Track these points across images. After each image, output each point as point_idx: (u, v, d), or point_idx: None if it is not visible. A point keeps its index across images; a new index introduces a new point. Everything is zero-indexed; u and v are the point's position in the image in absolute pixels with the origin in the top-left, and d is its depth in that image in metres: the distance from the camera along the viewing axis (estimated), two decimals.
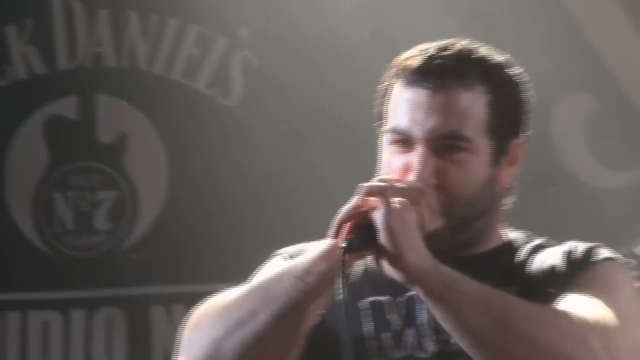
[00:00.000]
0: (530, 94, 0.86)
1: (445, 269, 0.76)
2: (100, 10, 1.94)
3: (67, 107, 2.04)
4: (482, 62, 0.85)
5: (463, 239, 0.85)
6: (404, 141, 0.82)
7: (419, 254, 0.74)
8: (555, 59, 2.00)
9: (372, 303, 0.87)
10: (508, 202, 0.89)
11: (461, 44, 0.86)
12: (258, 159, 1.86)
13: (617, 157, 2.04)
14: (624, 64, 2.09)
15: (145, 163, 1.93)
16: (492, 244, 0.89)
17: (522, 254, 0.89)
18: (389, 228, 0.73)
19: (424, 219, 0.78)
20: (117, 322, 1.99)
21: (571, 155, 2.06)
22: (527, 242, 0.91)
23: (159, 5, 1.97)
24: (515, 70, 0.87)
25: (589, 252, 0.88)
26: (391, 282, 0.80)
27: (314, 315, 0.80)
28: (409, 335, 0.86)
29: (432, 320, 0.83)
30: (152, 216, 1.96)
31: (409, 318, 0.86)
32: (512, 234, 0.92)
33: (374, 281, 0.86)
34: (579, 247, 0.89)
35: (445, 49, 0.84)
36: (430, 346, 0.85)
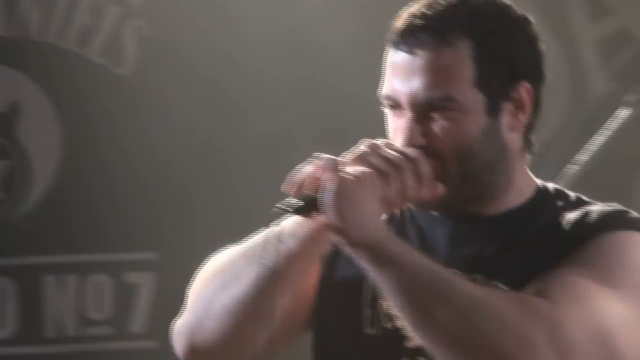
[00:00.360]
0: (536, 35, 0.85)
1: (394, 245, 0.76)
2: None
3: None
4: (467, 13, 0.84)
5: (473, 194, 0.84)
6: (395, 106, 0.81)
7: (362, 228, 0.75)
8: None
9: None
10: (529, 150, 0.86)
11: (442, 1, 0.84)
12: (151, 128, 1.88)
13: None
14: None
15: (38, 132, 1.91)
16: (510, 202, 0.86)
17: (538, 219, 0.87)
18: (332, 206, 0.73)
19: (404, 187, 0.78)
20: (9, 292, 1.97)
21: None
22: (551, 204, 0.87)
23: None
24: (514, 14, 0.85)
25: (602, 219, 0.84)
26: None
27: (292, 282, 0.82)
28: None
29: None
30: (44, 186, 1.94)
31: None
32: (543, 192, 0.89)
33: None
34: (594, 213, 0.84)
35: (430, 5, 0.83)
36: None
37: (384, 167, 0.77)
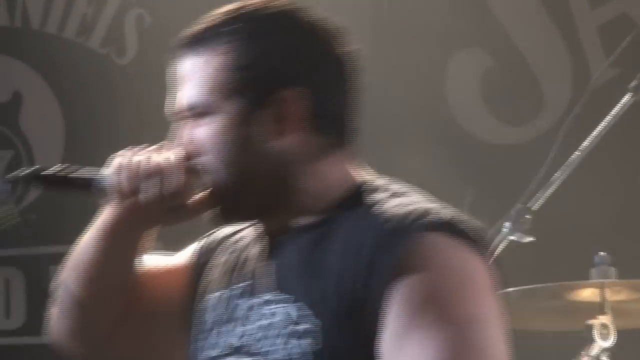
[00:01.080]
0: (325, 39, 0.84)
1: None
2: None
3: None
4: (227, 22, 0.84)
5: (254, 203, 0.85)
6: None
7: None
8: (449, 14, 2.09)
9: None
10: (337, 149, 0.84)
11: (228, 8, 0.85)
12: (151, 116, 1.91)
13: (512, 113, 2.12)
14: (517, 20, 2.18)
15: (40, 122, 1.96)
16: (312, 206, 0.85)
17: (345, 221, 0.84)
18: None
19: (161, 192, 0.83)
20: (16, 282, 2.03)
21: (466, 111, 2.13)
22: (364, 201, 0.84)
23: None
24: (290, 20, 0.85)
25: (403, 228, 0.79)
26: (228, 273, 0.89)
27: (129, 239, 0.88)
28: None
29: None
30: None
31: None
32: (357, 189, 0.86)
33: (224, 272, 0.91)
34: (396, 218, 0.80)
35: (207, 17, 0.85)
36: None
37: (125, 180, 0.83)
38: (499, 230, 1.72)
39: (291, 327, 0.83)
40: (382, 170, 0.88)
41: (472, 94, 2.11)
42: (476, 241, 0.79)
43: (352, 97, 0.86)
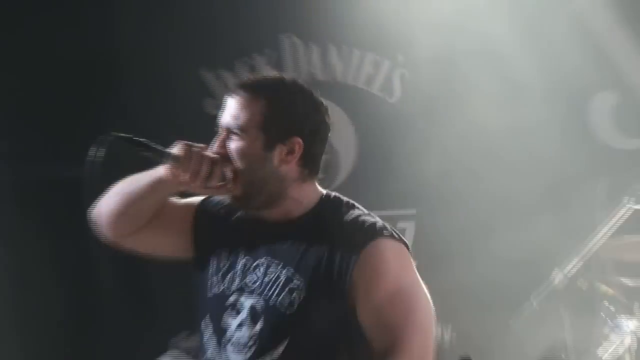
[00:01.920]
0: (317, 106, 1.22)
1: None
2: (312, 44, 3.03)
3: None
4: (267, 86, 1.22)
5: (260, 199, 1.20)
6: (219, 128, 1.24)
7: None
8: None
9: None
10: (312, 175, 1.22)
11: (267, 75, 1.28)
12: (414, 140, 2.95)
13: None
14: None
15: (342, 137, 2.97)
16: (290, 210, 1.21)
17: (318, 220, 1.20)
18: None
19: (197, 174, 1.17)
20: None
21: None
22: (328, 209, 1.22)
23: (348, 39, 3.01)
24: (300, 92, 1.22)
25: (363, 232, 1.17)
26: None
27: (155, 199, 1.28)
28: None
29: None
30: (346, 172, 3.03)
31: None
32: (324, 200, 1.24)
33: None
34: (356, 224, 1.19)
35: (251, 77, 1.28)
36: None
37: (183, 159, 1.17)
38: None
39: (282, 282, 1.17)
40: None
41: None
42: (403, 241, 1.19)
43: (324, 145, 1.24)
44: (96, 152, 1.16)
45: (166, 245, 1.35)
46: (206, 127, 1.29)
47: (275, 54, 3.01)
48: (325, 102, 1.22)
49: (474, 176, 2.85)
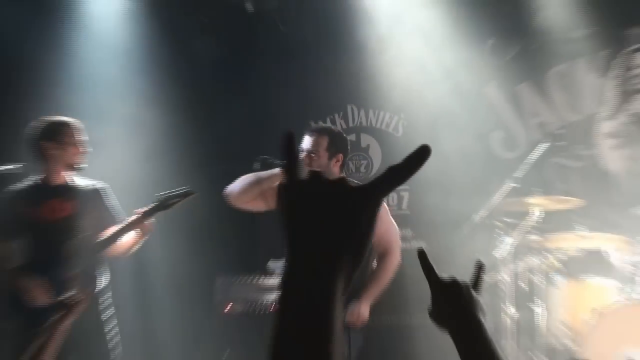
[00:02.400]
0: (345, 143, 3.77)
1: None
2: (360, 108, 6.06)
3: None
4: (327, 130, 3.74)
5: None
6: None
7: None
8: None
9: None
10: (344, 169, 3.75)
11: (324, 125, 4.64)
12: None
13: None
14: None
15: (373, 155, 6.01)
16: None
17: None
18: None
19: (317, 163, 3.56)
20: None
21: None
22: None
23: (377, 104, 6.06)
24: (342, 134, 3.79)
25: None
26: None
27: (268, 185, 3.59)
28: None
29: None
30: None
31: None
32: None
33: None
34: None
35: (319, 126, 4.26)
36: None
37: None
38: None
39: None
40: None
41: None
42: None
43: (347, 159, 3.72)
44: None
45: (263, 207, 3.56)
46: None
47: (341, 113, 6.02)
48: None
49: (440, 173, 5.72)
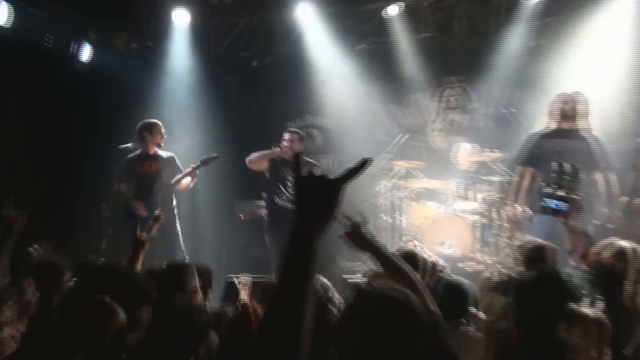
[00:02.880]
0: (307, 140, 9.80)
1: None
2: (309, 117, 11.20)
3: None
4: (298, 130, 8.57)
5: None
6: None
7: None
8: None
9: None
10: None
11: (296, 128, 9.19)
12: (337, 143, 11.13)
13: None
14: None
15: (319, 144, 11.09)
16: None
17: None
18: None
19: None
20: None
21: None
22: None
23: (316, 113, 11.32)
24: (303, 132, 8.47)
25: None
26: None
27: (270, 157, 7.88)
28: None
29: None
30: None
31: None
32: None
33: None
34: None
35: (294, 127, 9.07)
36: None
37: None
38: None
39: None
40: None
41: None
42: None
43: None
44: None
45: (263, 169, 7.75)
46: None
47: (301, 117, 11.07)
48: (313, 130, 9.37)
49: (355, 150, 10.88)
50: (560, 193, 3.88)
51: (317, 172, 1.70)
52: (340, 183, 1.67)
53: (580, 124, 6.48)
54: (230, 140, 9.23)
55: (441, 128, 10.31)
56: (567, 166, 3.85)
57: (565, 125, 6.55)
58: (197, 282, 3.80)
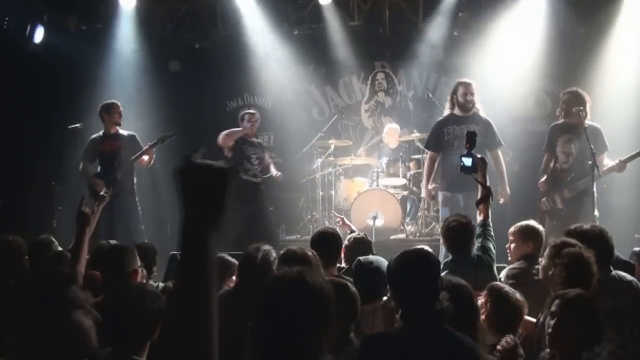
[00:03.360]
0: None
1: None
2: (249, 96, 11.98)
3: None
4: (255, 111, 9.56)
5: None
6: None
7: None
8: None
9: None
10: None
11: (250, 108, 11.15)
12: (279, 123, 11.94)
13: None
14: None
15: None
16: None
17: None
18: None
19: None
20: None
21: None
22: None
23: (256, 93, 12.08)
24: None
25: None
26: None
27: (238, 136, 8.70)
28: None
29: None
30: None
31: None
32: None
33: None
34: None
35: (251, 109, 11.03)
36: None
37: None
38: None
39: None
40: None
41: None
42: None
43: None
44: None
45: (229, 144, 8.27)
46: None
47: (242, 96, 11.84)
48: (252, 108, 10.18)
49: (292, 128, 11.70)
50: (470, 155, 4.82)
51: (199, 161, 1.47)
52: (228, 172, 1.44)
53: (476, 109, 7.35)
54: (174, 118, 9.81)
55: (370, 109, 11.01)
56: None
57: (464, 112, 7.42)
58: (137, 263, 3.89)
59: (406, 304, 2.79)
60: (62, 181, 8.32)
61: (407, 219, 9.50)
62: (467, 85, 7.33)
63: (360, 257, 4.11)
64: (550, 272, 3.67)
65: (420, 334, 2.69)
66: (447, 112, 7.50)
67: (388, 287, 3.14)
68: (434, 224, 9.14)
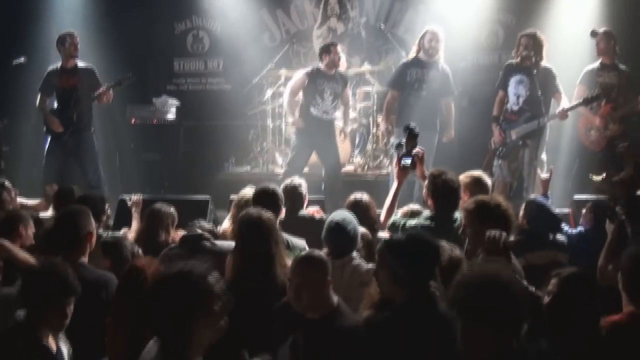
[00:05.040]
0: None
1: None
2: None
3: None
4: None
5: None
6: None
7: None
8: None
9: None
10: None
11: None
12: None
13: None
14: None
15: None
16: None
17: None
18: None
19: None
20: None
21: None
22: None
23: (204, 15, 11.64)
24: None
25: None
26: None
27: None
28: None
29: None
30: None
31: None
32: None
33: None
34: None
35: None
36: None
37: None
38: None
39: None
40: None
41: None
42: None
43: None
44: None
45: None
46: None
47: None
48: None
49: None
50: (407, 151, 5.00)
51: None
52: None
53: (438, 57, 7.74)
54: (120, 43, 9.52)
55: (322, 34, 10.78)
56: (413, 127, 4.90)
57: (427, 57, 7.77)
58: (91, 225, 3.98)
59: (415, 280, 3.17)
60: (7, 118, 8.25)
61: (356, 152, 9.35)
62: (434, 33, 7.67)
63: (330, 218, 4.31)
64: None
65: (419, 310, 3.12)
66: (412, 54, 7.88)
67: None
68: (381, 157, 9.14)
